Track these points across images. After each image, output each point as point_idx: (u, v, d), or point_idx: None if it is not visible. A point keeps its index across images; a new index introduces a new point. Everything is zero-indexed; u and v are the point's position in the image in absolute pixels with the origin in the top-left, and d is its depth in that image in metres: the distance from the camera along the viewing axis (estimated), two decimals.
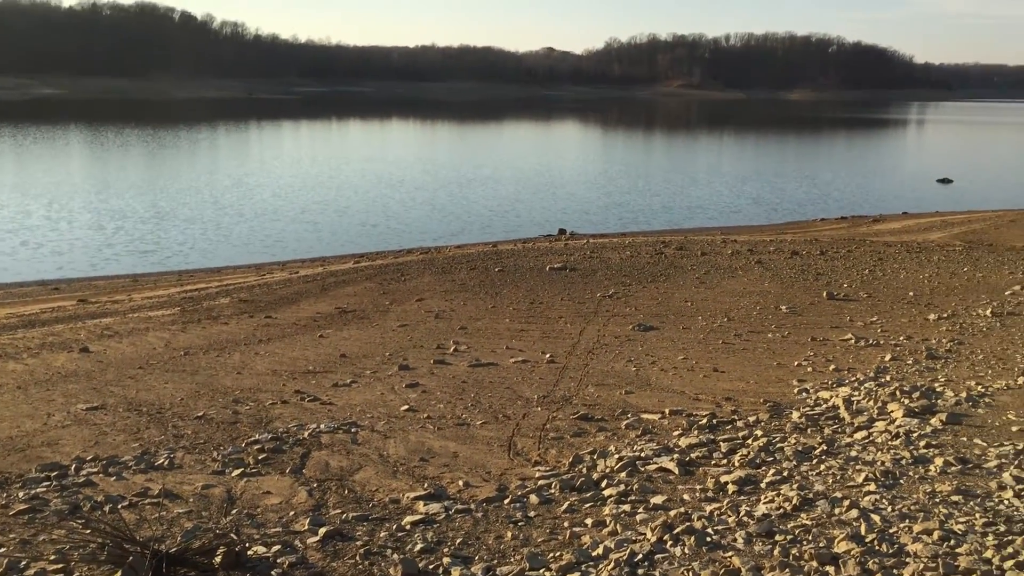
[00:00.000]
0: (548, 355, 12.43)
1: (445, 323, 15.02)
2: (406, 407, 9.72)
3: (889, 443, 7.66)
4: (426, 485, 7.14)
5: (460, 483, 7.20)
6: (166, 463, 7.74)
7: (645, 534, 5.82)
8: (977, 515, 5.81)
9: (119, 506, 6.66)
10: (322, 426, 8.91)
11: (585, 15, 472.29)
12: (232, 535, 5.63)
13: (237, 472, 7.50)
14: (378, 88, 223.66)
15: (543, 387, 10.68)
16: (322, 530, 6.06)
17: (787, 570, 5.14)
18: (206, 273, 23.63)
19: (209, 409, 9.61)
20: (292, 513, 6.56)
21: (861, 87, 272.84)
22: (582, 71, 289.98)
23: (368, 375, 11.39)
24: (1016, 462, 6.92)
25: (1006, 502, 6.06)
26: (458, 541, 5.89)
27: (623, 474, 7.21)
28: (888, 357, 11.77)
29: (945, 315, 14.78)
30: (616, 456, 7.72)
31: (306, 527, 6.20)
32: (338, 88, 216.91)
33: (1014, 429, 7.97)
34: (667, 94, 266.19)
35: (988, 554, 5.19)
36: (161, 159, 54.69)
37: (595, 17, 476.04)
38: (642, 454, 7.78)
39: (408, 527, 6.19)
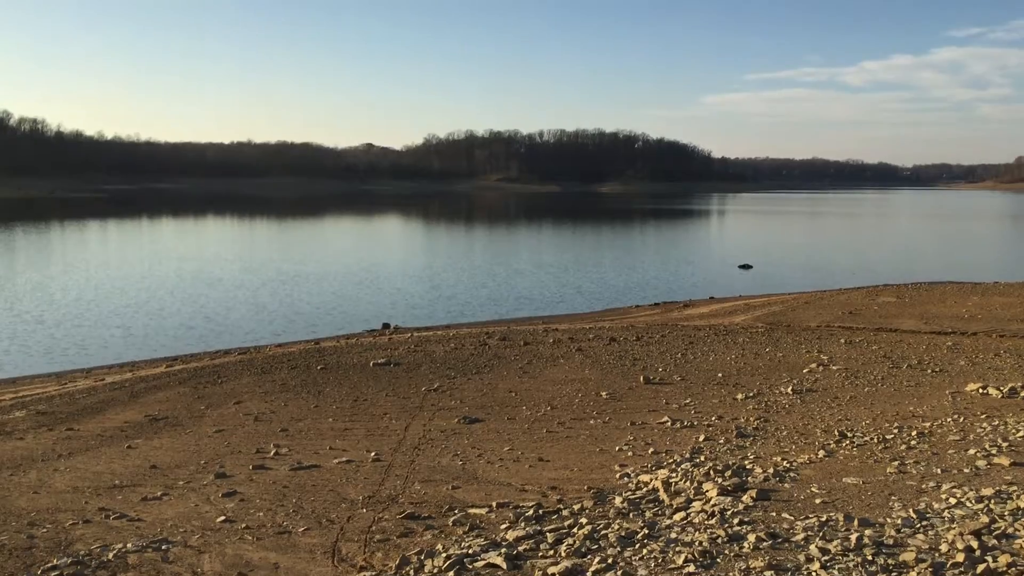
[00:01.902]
0: (373, 453, 12.19)
1: (265, 425, 14.50)
2: (223, 518, 9.24)
3: (706, 522, 7.91)
4: None
5: None
6: None
7: None
8: None
9: None
10: (129, 545, 8.31)
11: (403, 112, 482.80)
12: None
13: None
14: (193, 185, 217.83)
15: (368, 487, 10.43)
16: None
17: None
18: None
19: (0, 535, 8.79)
20: None
21: (666, 180, 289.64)
22: (402, 166, 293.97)
23: (181, 486, 10.78)
24: (821, 533, 7.30)
25: (814, 574, 6.35)
26: None
27: (451, 573, 7.09)
28: (702, 437, 12.26)
29: (751, 394, 15.61)
30: (444, 555, 7.59)
31: None
32: (149, 185, 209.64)
33: (818, 502, 8.43)
34: (486, 188, 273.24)
35: None
36: None
37: (413, 114, 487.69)
38: (470, 551, 7.68)
39: None
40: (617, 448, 12.09)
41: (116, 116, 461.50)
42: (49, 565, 7.78)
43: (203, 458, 12.29)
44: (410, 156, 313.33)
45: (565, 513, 8.85)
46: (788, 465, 10.14)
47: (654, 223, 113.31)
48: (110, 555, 8.01)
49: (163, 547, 8.28)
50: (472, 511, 9.19)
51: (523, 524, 8.48)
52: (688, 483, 9.59)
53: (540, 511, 8.94)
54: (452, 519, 8.91)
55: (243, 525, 8.99)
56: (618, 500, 9.14)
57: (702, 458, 11.00)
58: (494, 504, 9.34)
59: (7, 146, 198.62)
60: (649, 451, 11.77)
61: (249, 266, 50.61)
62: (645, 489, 9.60)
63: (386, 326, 30.22)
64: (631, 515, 8.52)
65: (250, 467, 11.60)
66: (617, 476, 10.48)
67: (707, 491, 9.05)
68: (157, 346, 27.29)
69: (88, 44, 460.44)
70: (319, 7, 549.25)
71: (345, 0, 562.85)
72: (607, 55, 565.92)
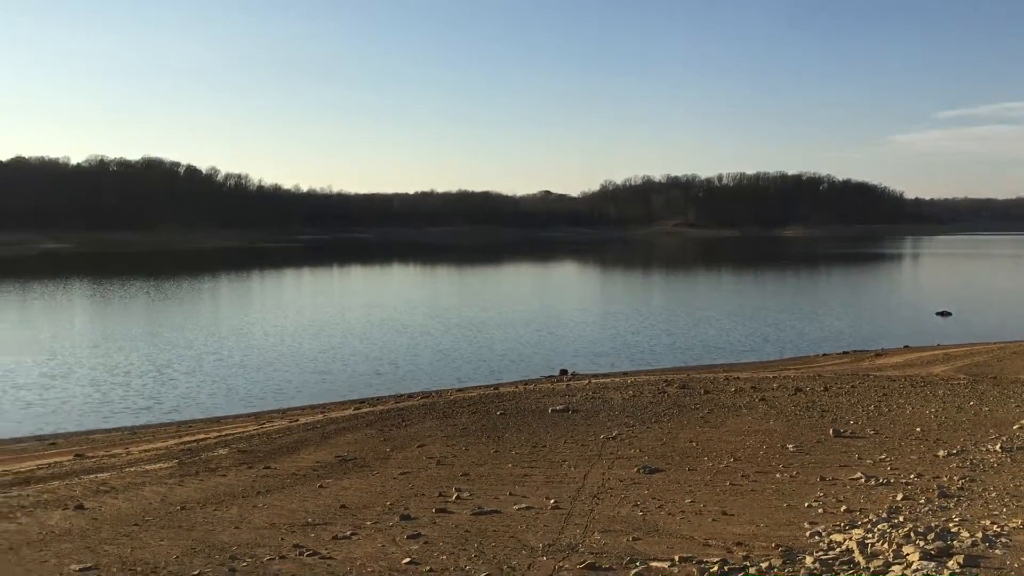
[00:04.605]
0: (552, 501, 12.16)
1: (447, 469, 14.78)
2: (408, 560, 9.43)
3: None
4: None
5: None
6: None
7: None
8: None
9: None
10: None
11: (580, 159, 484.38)
12: None
13: None
14: (379, 234, 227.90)
15: (548, 535, 10.40)
16: None
17: None
18: (205, 423, 23.42)
19: (205, 567, 9.32)
20: None
21: (853, 223, 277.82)
22: (579, 213, 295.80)
23: (369, 526, 11.11)
24: None
25: None
26: None
27: None
28: (900, 496, 11.52)
29: (954, 451, 14.56)
30: None
31: None
32: (340, 235, 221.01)
33: None
34: (663, 233, 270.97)
35: None
36: (163, 311, 55.18)
37: (590, 161, 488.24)
38: None
39: None
40: (806, 504, 11.53)
41: (311, 170, 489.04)
42: None
43: (389, 499, 12.65)
44: (587, 203, 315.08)
45: (752, 571, 8.49)
46: (999, 530, 9.34)
47: (841, 268, 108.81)
48: None
49: None
50: (654, 564, 8.97)
51: None
52: (886, 545, 9.00)
53: (725, 567, 8.62)
54: (633, 571, 8.73)
55: (427, 568, 9.14)
56: (809, 560, 8.69)
57: (901, 518, 10.31)
58: (676, 558, 9.09)
59: (215, 199, 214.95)
60: (841, 509, 11.16)
61: (434, 312, 52.16)
62: (838, 549, 9.08)
63: (564, 372, 30.32)
64: None
65: (433, 510, 11.82)
66: (807, 534, 9.98)
67: (908, 555, 8.46)
68: (346, 389, 28.50)
69: (286, 104, 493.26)
70: (497, 62, 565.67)
71: (524, 53, 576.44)
72: (788, 97, 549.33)
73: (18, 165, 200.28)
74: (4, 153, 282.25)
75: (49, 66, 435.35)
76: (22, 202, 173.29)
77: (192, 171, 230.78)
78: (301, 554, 9.82)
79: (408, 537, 10.44)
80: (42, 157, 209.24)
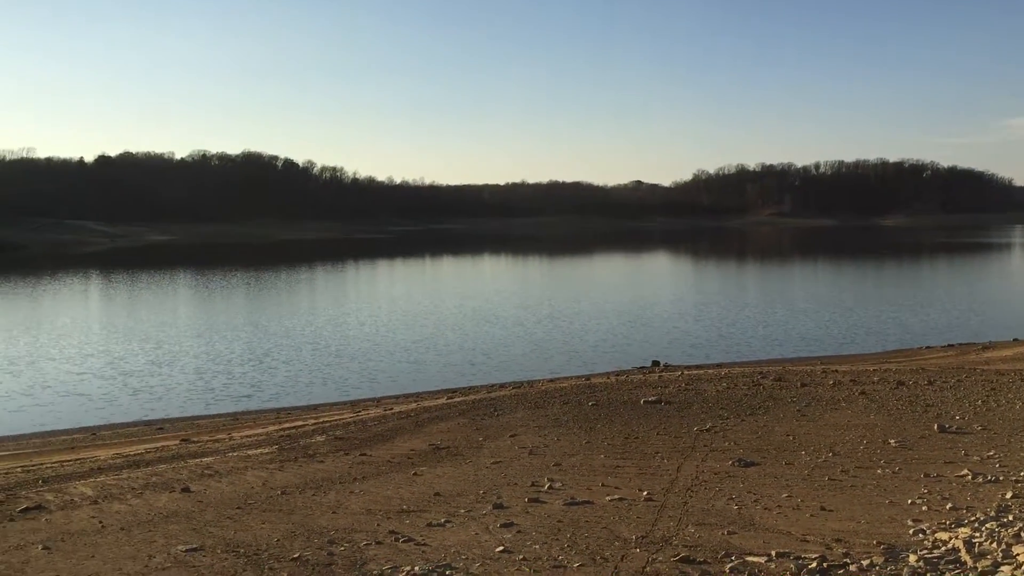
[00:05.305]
0: (645, 492, 12.08)
1: (539, 459, 14.81)
2: (501, 548, 9.50)
3: None
4: None
5: None
6: None
7: None
8: None
9: None
10: (416, 568, 8.76)
11: (672, 148, 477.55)
12: None
13: None
14: (470, 225, 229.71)
15: (641, 527, 10.34)
16: None
17: None
18: (303, 411, 24.01)
19: (304, 551, 9.57)
20: None
21: (959, 211, 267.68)
22: (671, 202, 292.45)
23: (462, 514, 11.23)
24: None
25: None
26: None
27: None
28: (1009, 494, 11.07)
29: None
30: None
31: None
32: (431, 226, 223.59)
33: None
34: (758, 223, 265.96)
35: None
36: (262, 301, 56.74)
37: (682, 150, 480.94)
38: None
39: None
40: (909, 501, 11.18)
41: (404, 162, 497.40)
42: None
43: (482, 488, 12.75)
44: (679, 192, 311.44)
45: (853, 568, 8.29)
46: None
47: (945, 258, 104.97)
48: None
49: (447, 572, 8.64)
50: (750, 559, 8.83)
51: None
52: (995, 544, 8.66)
53: (824, 564, 8.43)
54: (729, 565, 8.61)
55: (520, 556, 9.20)
56: (912, 558, 8.43)
57: (1010, 517, 9.91)
58: (773, 553, 8.93)
59: (310, 192, 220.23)
60: (947, 506, 10.79)
61: (526, 303, 52.31)
62: (943, 548, 8.78)
63: (656, 363, 30.07)
64: None
65: (526, 499, 11.87)
66: (910, 532, 9.68)
67: (1018, 555, 8.13)
68: (439, 379, 28.84)
69: (381, 99, 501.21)
70: (586, 54, 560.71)
71: (613, 45, 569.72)
72: (893, 82, 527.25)
73: (126, 161, 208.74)
74: (113, 149, 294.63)
75: (158, 66, 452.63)
76: (130, 195, 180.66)
77: (289, 164, 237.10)
78: (396, 540, 9.99)
79: (501, 526, 10.52)
80: (148, 152, 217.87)
